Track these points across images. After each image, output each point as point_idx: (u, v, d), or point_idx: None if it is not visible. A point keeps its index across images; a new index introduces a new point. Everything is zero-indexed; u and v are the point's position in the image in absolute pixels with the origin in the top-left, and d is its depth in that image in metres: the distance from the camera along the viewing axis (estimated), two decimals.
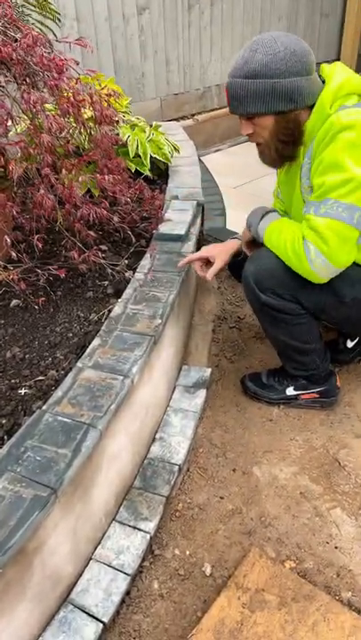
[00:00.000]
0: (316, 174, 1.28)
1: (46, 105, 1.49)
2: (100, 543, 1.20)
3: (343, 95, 1.26)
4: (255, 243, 1.63)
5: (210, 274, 1.56)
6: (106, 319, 1.44)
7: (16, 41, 1.44)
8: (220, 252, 1.58)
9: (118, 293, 1.59)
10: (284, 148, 1.36)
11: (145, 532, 1.23)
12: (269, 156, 1.40)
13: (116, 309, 1.46)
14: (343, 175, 1.22)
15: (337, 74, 1.28)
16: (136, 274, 1.62)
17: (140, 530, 1.23)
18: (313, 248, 1.27)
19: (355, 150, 1.21)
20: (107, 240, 1.88)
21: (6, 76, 1.47)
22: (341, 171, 1.22)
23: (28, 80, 1.46)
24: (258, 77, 1.24)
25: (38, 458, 1.00)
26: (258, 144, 1.40)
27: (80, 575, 1.13)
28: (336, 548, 1.26)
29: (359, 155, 1.21)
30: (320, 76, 1.32)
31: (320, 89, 1.28)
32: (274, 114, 1.29)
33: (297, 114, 1.30)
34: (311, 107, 1.30)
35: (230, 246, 1.60)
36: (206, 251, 1.60)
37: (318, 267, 1.28)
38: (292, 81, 1.24)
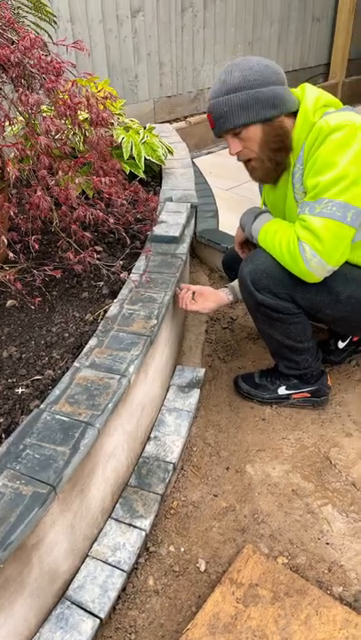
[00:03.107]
0: (309, 175, 1.32)
1: (42, 107, 1.51)
2: (96, 540, 1.21)
3: (321, 106, 1.34)
4: (247, 243, 1.66)
5: (190, 307, 1.63)
6: (102, 319, 1.45)
7: (13, 43, 1.45)
8: (211, 299, 1.64)
9: (114, 294, 1.60)
10: (276, 155, 1.38)
11: (140, 529, 1.25)
12: (263, 168, 1.41)
13: (112, 310, 1.47)
14: (336, 174, 1.26)
15: (309, 91, 1.37)
16: (131, 275, 1.64)
17: (135, 527, 1.25)
18: (308, 248, 1.30)
19: (345, 149, 1.26)
20: (102, 241, 1.90)
21: (1, 78, 1.48)
22: (334, 170, 1.26)
23: (24, 82, 1.48)
24: (238, 90, 1.29)
25: (37, 456, 1.01)
26: (248, 161, 1.42)
27: (77, 571, 1.15)
28: (328, 544, 1.29)
29: (350, 153, 1.25)
30: None
31: (297, 101, 1.36)
32: (260, 122, 1.32)
33: (281, 121, 1.34)
34: (293, 114, 1.36)
35: (223, 300, 1.66)
36: (203, 289, 1.67)
37: (314, 267, 1.31)
38: (271, 89, 1.30)
